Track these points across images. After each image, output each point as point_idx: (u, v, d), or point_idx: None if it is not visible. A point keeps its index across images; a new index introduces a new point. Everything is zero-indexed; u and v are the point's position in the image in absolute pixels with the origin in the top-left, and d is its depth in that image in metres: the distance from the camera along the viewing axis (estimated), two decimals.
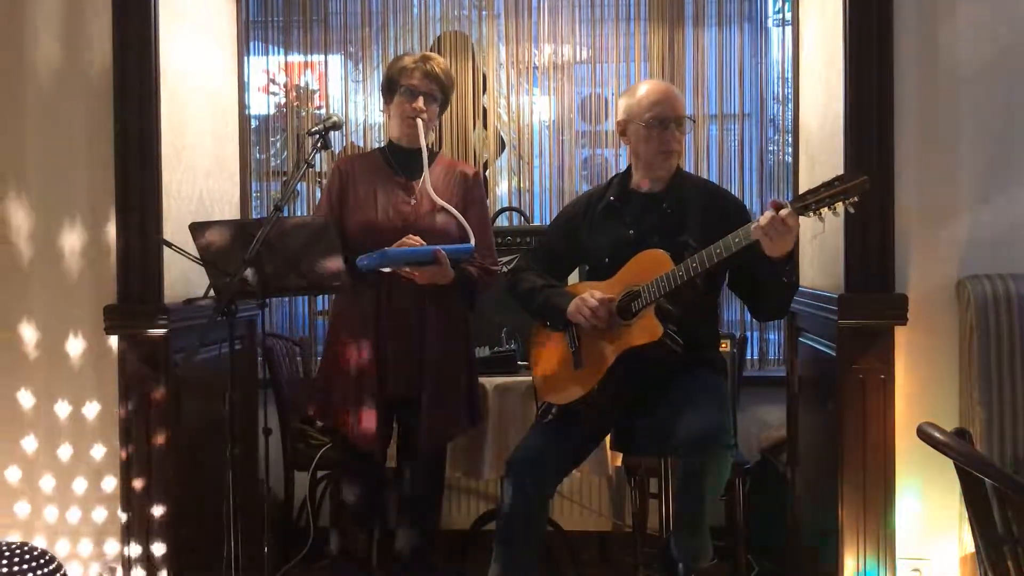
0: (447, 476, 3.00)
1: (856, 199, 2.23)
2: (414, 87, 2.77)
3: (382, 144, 3.03)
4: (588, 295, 2.59)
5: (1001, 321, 2.53)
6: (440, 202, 2.74)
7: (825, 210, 2.26)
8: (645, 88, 2.71)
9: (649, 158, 2.69)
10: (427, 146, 2.78)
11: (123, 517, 2.76)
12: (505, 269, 2.98)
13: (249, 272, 2.42)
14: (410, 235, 2.66)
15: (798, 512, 3.19)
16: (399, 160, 2.84)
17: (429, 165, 2.78)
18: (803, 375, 3.20)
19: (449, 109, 4.07)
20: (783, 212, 2.29)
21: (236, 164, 3.41)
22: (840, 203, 2.23)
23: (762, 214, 2.34)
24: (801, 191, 2.45)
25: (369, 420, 2.71)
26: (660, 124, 2.63)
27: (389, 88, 2.83)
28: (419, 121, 2.77)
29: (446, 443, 2.93)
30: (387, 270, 2.65)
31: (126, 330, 2.74)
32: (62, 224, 2.79)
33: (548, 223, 3.49)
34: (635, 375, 2.58)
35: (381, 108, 2.94)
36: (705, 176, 4.02)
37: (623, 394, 2.63)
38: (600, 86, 4.16)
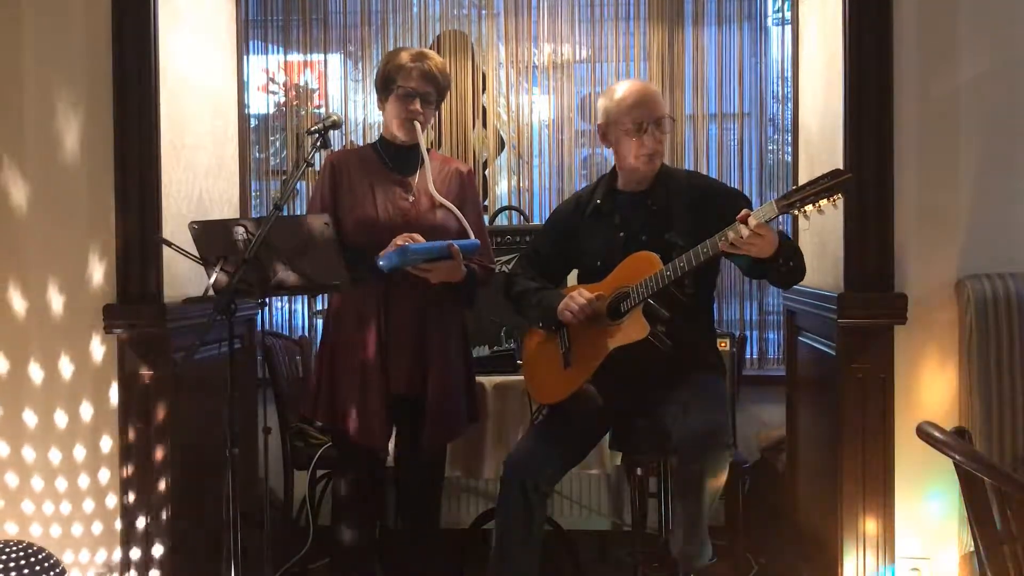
0: (447, 475, 3.00)
1: (840, 197, 2.22)
2: (412, 90, 2.73)
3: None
4: (576, 293, 2.61)
5: (1000, 321, 2.53)
6: (441, 200, 2.73)
7: (810, 208, 2.24)
8: (623, 90, 2.69)
9: (632, 161, 2.68)
10: (425, 146, 2.77)
11: (122, 516, 2.75)
12: (505, 269, 2.98)
13: (248, 271, 2.42)
14: (412, 233, 2.64)
15: (798, 512, 3.19)
16: (393, 156, 2.81)
17: (424, 163, 2.77)
18: (802, 375, 3.20)
19: (449, 108, 4.09)
20: (751, 223, 2.27)
21: (236, 163, 3.41)
22: (825, 200, 2.22)
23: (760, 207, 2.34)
24: None
25: (371, 418, 2.69)
26: (639, 128, 2.63)
27: (385, 86, 2.79)
28: (416, 123, 2.75)
29: (448, 442, 2.93)
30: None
31: (125, 329, 2.74)
32: (62, 223, 2.78)
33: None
34: (630, 375, 2.58)
35: (376, 104, 2.92)
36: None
37: (618, 393, 2.63)
38: (600, 85, 4.15)
